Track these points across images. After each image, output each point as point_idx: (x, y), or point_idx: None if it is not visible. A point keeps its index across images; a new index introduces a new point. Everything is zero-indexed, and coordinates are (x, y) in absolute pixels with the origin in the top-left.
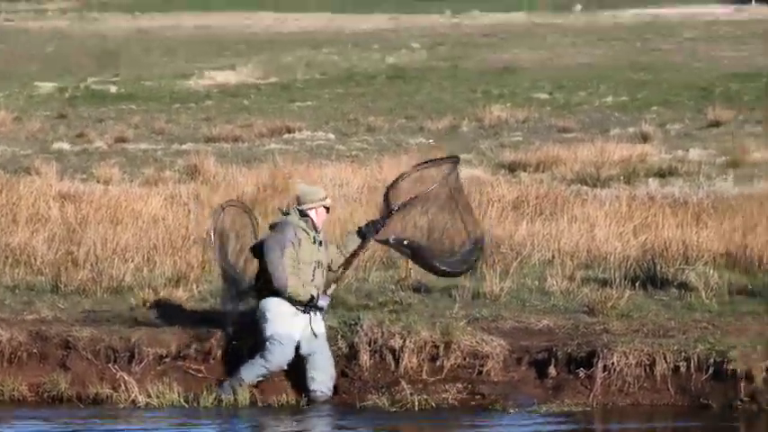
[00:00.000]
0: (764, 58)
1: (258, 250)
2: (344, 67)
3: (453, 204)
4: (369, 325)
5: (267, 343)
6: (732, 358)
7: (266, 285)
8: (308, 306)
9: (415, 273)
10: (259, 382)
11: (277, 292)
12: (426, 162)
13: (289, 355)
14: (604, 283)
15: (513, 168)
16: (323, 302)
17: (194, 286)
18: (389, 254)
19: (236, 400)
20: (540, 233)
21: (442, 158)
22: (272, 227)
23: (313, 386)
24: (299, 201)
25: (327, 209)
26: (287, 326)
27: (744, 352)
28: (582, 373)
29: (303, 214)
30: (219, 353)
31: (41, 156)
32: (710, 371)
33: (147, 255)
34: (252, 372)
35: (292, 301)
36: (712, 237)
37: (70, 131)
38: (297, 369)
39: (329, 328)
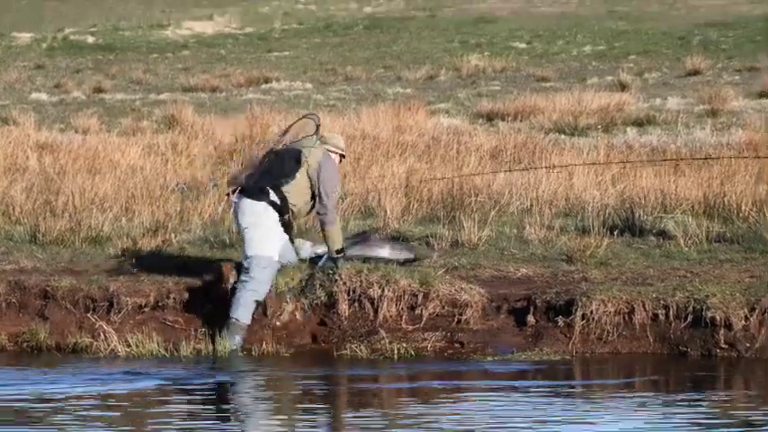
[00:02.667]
0: (742, 7)
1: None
2: (322, 17)
3: None
4: (347, 274)
5: (249, 269)
6: (711, 306)
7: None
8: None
9: (393, 222)
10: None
11: (281, 211)
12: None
13: (271, 276)
14: (583, 231)
15: (490, 117)
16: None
17: (173, 236)
18: (368, 203)
19: (216, 349)
20: (518, 182)
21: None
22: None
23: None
24: (325, 141)
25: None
26: (273, 248)
27: (722, 300)
28: (561, 321)
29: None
30: (197, 304)
31: (19, 106)
32: (689, 319)
33: (126, 204)
34: (246, 309)
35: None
36: (690, 185)
37: (48, 82)
38: None
39: (308, 276)
